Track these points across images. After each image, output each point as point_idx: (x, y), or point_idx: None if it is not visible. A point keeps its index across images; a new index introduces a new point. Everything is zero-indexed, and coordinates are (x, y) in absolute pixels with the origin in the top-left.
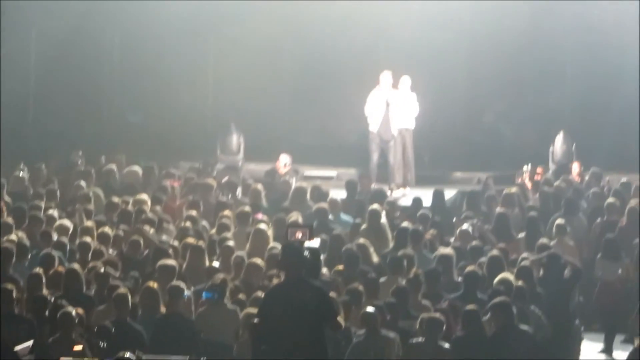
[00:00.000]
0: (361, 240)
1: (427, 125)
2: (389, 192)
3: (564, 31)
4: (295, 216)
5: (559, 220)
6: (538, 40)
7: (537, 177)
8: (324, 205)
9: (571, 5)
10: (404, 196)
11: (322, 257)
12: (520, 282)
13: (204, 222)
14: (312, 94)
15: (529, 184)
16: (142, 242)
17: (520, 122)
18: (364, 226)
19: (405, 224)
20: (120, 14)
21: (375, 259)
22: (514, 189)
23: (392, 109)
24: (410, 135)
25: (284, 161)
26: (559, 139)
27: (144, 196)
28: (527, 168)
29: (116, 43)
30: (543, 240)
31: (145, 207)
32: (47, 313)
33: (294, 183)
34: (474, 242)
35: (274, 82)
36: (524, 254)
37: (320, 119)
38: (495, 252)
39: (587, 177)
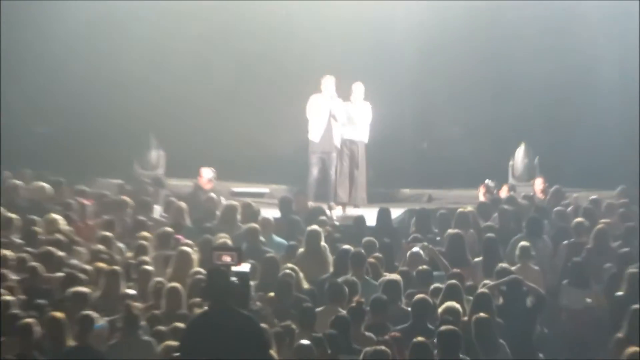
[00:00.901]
0: (289, 266)
1: (378, 138)
2: (328, 211)
3: (526, 37)
4: (223, 238)
5: (523, 242)
6: (496, 46)
7: (500, 194)
8: (255, 225)
9: (537, 5)
10: (345, 215)
11: (252, 283)
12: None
13: (120, 244)
14: (243, 101)
15: (482, 197)
16: (49, 266)
17: (478, 134)
18: (301, 249)
19: (346, 246)
20: (25, 15)
21: (305, 285)
22: (468, 208)
23: (338, 117)
24: (361, 149)
25: (207, 176)
26: (520, 152)
27: (53, 215)
28: (489, 183)
29: (22, 45)
30: (503, 264)
31: (53, 227)
32: None
33: (223, 201)
34: (423, 267)
35: (200, 88)
36: (485, 280)
37: (252, 129)
38: (452, 280)
39: (549, 194)
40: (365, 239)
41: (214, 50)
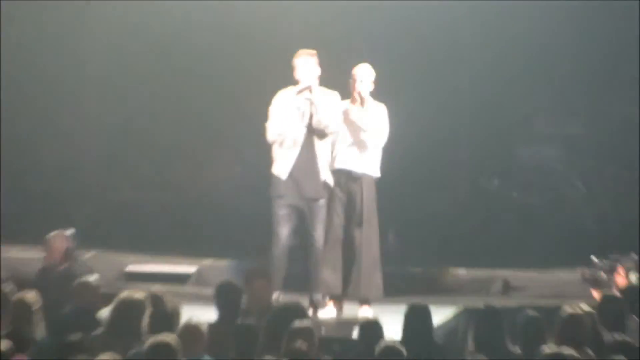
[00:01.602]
0: None
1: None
2: (310, 311)
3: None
4: (109, 357)
5: None
6: None
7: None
8: (171, 339)
9: None
10: (343, 320)
11: None
12: None
13: None
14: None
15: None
16: None
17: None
18: None
19: None
20: None
21: None
22: (583, 307)
23: (325, 129)
24: (369, 189)
25: (63, 244)
26: None
27: None
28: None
29: None
30: None
31: None
32: None
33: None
34: None
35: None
36: None
37: (161, 163)
38: None
39: None
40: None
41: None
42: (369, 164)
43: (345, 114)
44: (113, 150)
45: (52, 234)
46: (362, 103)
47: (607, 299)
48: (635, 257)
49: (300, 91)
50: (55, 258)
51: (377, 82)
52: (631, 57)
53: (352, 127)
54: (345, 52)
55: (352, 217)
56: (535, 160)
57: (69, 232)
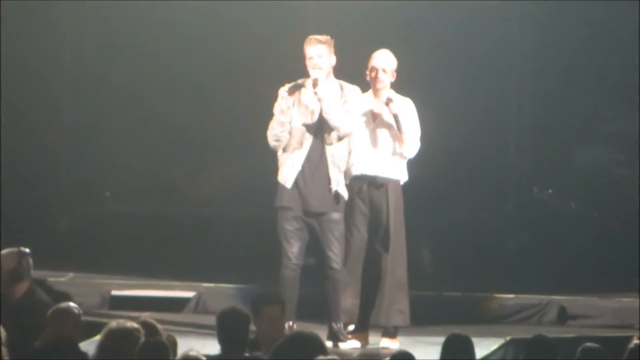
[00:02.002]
0: None
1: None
2: (330, 344)
3: None
4: None
5: None
6: None
7: None
8: None
9: None
10: (370, 353)
11: None
12: None
13: None
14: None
15: None
16: None
17: None
18: None
19: None
20: None
21: None
22: None
23: (339, 129)
24: (395, 198)
25: (10, 264)
26: None
27: None
28: None
29: None
30: None
31: None
32: None
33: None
34: None
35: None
36: None
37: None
38: None
39: None
40: None
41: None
42: (394, 167)
43: (368, 113)
44: (95, 154)
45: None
46: (388, 101)
47: None
48: None
49: (304, 85)
50: (4, 280)
51: (403, 72)
52: None
53: (377, 128)
54: (364, 40)
55: (377, 232)
56: (598, 165)
57: (22, 250)
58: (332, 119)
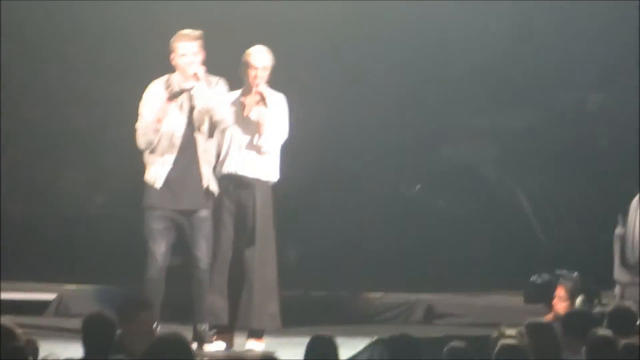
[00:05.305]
0: None
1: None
2: (194, 346)
3: None
4: None
5: None
6: None
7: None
8: None
9: None
10: (236, 355)
11: None
12: None
13: None
14: None
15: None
16: None
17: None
18: None
19: None
20: None
21: None
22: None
23: (209, 125)
24: (263, 197)
25: None
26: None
27: None
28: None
29: None
30: None
31: None
32: None
33: None
34: None
35: None
36: None
37: None
38: None
39: None
40: None
41: None
42: (264, 166)
43: (239, 109)
44: None
45: None
46: (261, 98)
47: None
48: (576, 276)
49: (177, 93)
50: None
51: (275, 68)
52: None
53: (247, 126)
54: (231, 31)
55: (244, 232)
56: (465, 161)
57: None
58: (215, 114)
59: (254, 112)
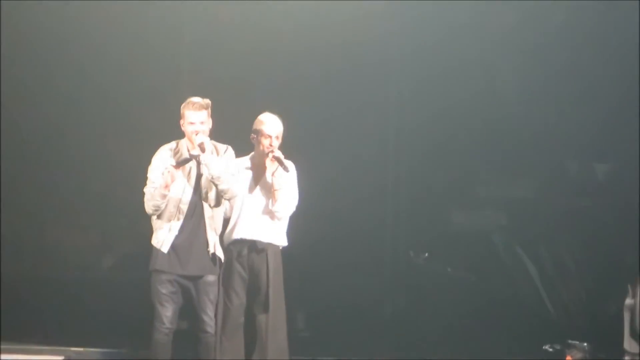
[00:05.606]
0: None
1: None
2: None
3: None
4: None
5: None
6: None
7: None
8: None
9: None
10: None
11: None
12: None
13: None
14: None
15: None
16: None
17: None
18: None
19: None
20: None
21: None
22: None
23: (214, 194)
24: (274, 263)
25: None
26: None
27: None
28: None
29: None
30: None
31: None
32: None
33: None
34: None
35: None
36: None
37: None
38: None
39: None
40: None
41: None
42: (276, 231)
43: (253, 177)
44: None
45: None
46: (279, 164)
47: None
48: (586, 346)
49: (185, 160)
50: None
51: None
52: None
53: (261, 192)
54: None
55: (256, 298)
56: (475, 228)
57: None
58: (220, 184)
59: (269, 178)
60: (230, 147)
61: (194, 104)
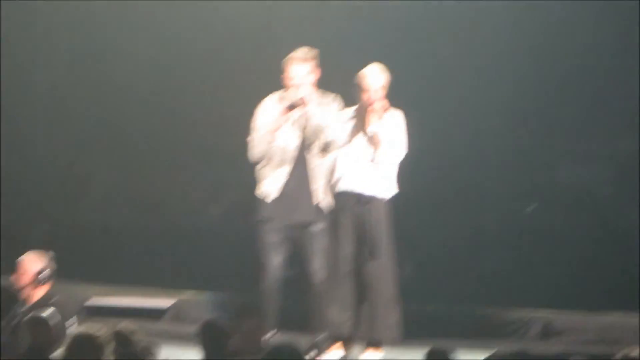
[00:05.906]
0: None
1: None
2: (311, 354)
3: None
4: None
5: None
6: None
7: None
8: None
9: None
10: None
11: None
12: None
13: None
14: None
15: None
16: None
17: None
18: None
19: None
20: None
21: None
22: None
23: (324, 144)
24: (380, 214)
25: (34, 267)
26: None
27: None
28: None
29: None
30: None
31: None
32: None
33: (72, 326)
34: None
35: None
36: None
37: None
38: None
39: None
40: None
41: None
42: (381, 183)
43: (355, 127)
44: (71, 165)
45: (25, 255)
46: (377, 115)
47: None
48: None
49: (291, 106)
50: (23, 284)
51: (391, 85)
52: None
53: (365, 143)
54: (348, 49)
55: (363, 247)
56: (580, 182)
57: (46, 254)
58: (325, 135)
59: (371, 129)
60: (337, 97)
61: (294, 58)
